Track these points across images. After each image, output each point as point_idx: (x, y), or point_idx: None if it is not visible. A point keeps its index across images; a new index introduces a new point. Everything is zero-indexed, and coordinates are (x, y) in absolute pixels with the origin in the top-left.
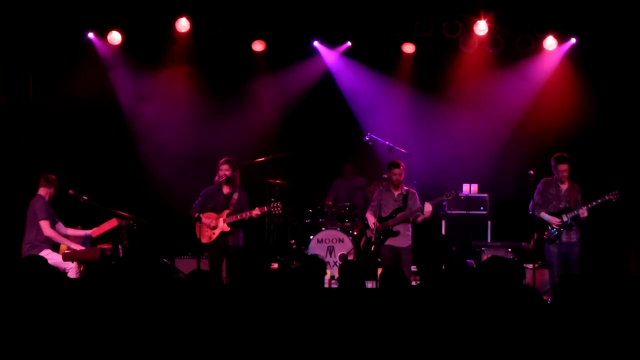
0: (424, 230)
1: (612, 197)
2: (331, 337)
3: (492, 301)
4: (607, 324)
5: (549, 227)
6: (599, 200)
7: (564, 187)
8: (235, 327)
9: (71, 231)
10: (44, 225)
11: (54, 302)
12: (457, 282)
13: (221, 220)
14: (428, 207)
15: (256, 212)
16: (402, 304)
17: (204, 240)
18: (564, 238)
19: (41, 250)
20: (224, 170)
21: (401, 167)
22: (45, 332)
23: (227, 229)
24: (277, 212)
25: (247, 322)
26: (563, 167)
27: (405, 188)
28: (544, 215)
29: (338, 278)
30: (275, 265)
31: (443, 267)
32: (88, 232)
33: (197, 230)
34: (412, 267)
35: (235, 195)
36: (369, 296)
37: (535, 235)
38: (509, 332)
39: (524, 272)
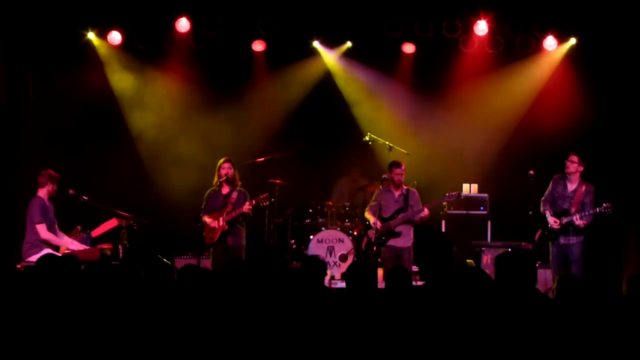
0: (427, 233)
1: (602, 210)
2: (332, 337)
3: (499, 301)
4: (605, 324)
5: (548, 226)
6: (591, 212)
7: (571, 187)
8: (235, 327)
9: (70, 241)
10: (40, 228)
11: (54, 301)
12: (462, 282)
13: (221, 219)
14: (425, 212)
15: (247, 207)
16: (407, 304)
17: (207, 241)
18: (562, 240)
19: (41, 250)
20: (226, 168)
21: (402, 167)
22: (45, 331)
23: (225, 227)
24: (265, 204)
25: (248, 322)
26: (569, 158)
27: (405, 187)
28: (547, 213)
29: (346, 279)
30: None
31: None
32: (84, 247)
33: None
34: (414, 267)
35: (235, 194)
36: (376, 297)
37: (540, 232)
38: (510, 332)
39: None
